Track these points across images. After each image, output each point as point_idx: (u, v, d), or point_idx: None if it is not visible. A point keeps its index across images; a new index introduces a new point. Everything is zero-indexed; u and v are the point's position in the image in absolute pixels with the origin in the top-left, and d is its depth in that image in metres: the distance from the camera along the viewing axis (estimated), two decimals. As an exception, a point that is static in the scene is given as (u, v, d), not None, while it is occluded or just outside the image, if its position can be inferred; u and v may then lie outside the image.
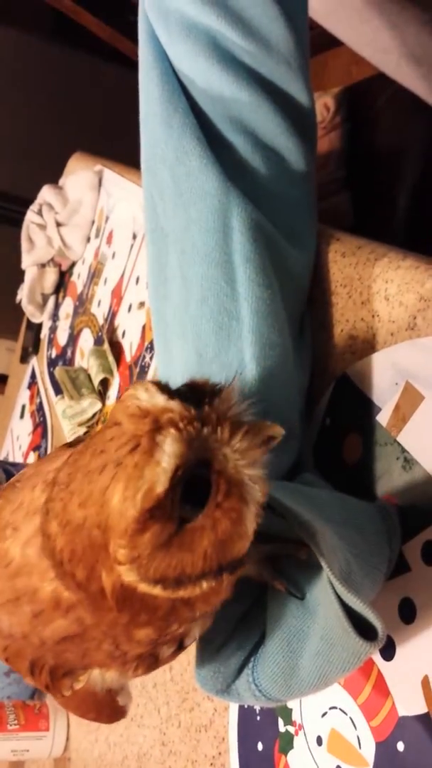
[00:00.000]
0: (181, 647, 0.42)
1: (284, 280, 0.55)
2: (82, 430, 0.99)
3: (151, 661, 0.41)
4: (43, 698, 0.97)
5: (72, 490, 0.34)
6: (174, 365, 0.58)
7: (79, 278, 1.23)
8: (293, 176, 0.58)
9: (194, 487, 0.33)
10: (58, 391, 1.08)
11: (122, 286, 1.02)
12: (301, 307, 0.58)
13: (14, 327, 1.61)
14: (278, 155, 0.57)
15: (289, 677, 0.43)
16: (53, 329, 1.33)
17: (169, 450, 0.31)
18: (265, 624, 0.46)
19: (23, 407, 1.43)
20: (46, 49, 2.29)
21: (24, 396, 1.44)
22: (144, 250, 0.64)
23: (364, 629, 0.40)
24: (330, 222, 0.62)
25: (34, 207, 1.31)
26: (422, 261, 0.51)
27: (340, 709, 0.49)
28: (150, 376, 0.85)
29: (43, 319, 1.39)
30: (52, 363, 1.29)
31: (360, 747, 0.47)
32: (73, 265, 1.28)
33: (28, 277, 1.34)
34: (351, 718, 0.48)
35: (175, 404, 0.32)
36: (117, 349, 0.98)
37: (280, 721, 0.55)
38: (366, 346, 0.53)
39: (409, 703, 0.45)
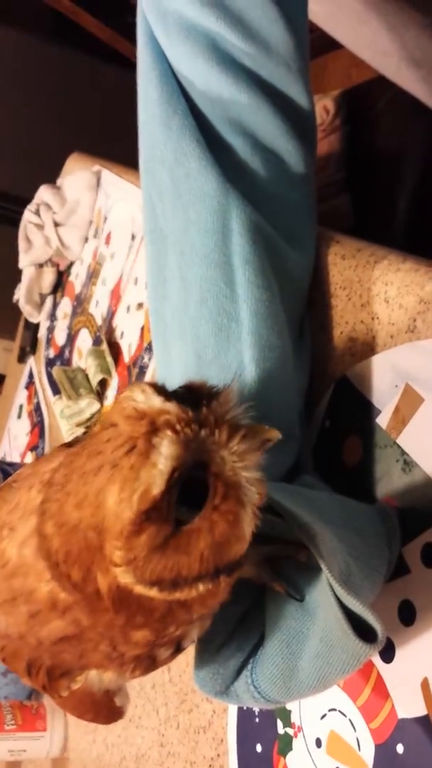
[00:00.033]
0: (179, 649, 0.42)
1: (284, 282, 0.55)
2: (79, 431, 0.99)
3: (148, 662, 0.41)
4: (40, 698, 0.97)
5: (68, 491, 0.34)
6: (173, 366, 0.58)
7: (77, 278, 1.23)
8: (293, 178, 0.58)
9: (191, 489, 0.33)
10: (56, 391, 1.08)
11: (121, 286, 1.02)
12: (301, 309, 0.58)
13: (12, 327, 1.61)
14: (278, 157, 0.57)
15: (288, 679, 0.43)
16: (51, 329, 1.32)
17: (165, 452, 0.31)
18: (264, 626, 0.46)
19: (21, 407, 1.43)
20: (46, 50, 2.29)
21: (21, 396, 1.44)
22: (143, 251, 0.64)
23: (363, 631, 0.40)
24: (330, 224, 0.62)
25: (31, 207, 1.31)
26: (422, 264, 0.51)
27: (340, 711, 0.49)
28: (149, 376, 0.85)
29: (41, 319, 1.39)
30: (49, 363, 1.28)
31: (359, 749, 0.47)
32: (71, 265, 1.28)
33: (26, 276, 1.34)
34: (350, 720, 0.48)
35: (171, 406, 0.32)
36: (115, 350, 0.97)
37: (279, 723, 0.55)
38: (366, 348, 0.53)
39: (408, 706, 0.44)
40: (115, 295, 1.03)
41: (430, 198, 0.93)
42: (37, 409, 1.31)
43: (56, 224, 1.24)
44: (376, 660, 0.47)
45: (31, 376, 1.41)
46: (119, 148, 1.14)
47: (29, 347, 1.42)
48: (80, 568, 0.34)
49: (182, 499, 0.32)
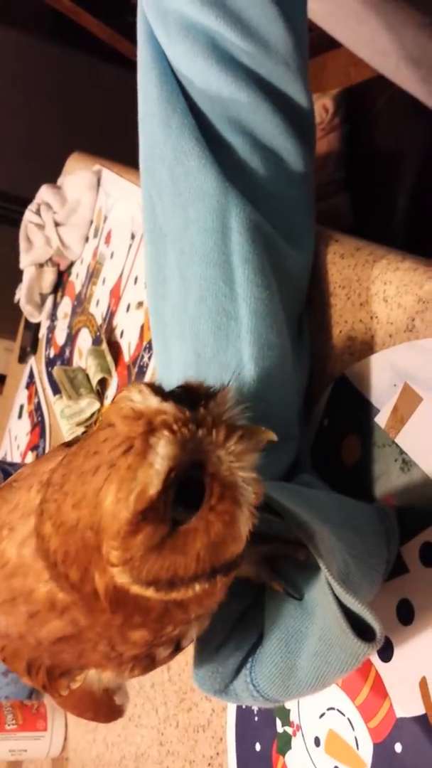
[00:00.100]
0: (178, 648, 0.42)
1: (283, 280, 0.55)
2: (80, 430, 0.99)
3: (147, 662, 0.41)
4: (40, 698, 0.97)
5: (66, 491, 0.34)
6: (172, 365, 0.58)
7: (77, 278, 1.23)
8: (292, 177, 0.58)
9: (188, 488, 0.33)
10: (56, 390, 1.08)
11: (121, 285, 1.02)
12: (300, 308, 0.58)
13: (12, 327, 1.61)
14: (277, 156, 0.57)
15: (287, 678, 0.43)
16: (51, 329, 1.32)
17: (162, 452, 0.31)
18: (263, 624, 0.46)
19: (21, 407, 1.43)
20: (46, 50, 2.29)
21: (22, 396, 1.44)
22: (142, 250, 0.64)
23: (362, 630, 0.40)
24: (329, 223, 0.62)
25: (32, 207, 1.31)
26: (421, 263, 0.51)
27: (338, 710, 0.49)
28: (149, 375, 0.85)
29: (42, 318, 1.39)
30: (50, 363, 1.28)
31: (358, 748, 0.47)
32: (71, 264, 1.28)
33: (27, 276, 1.34)
34: (349, 719, 0.48)
35: (168, 406, 0.32)
36: (115, 349, 0.98)
37: (278, 722, 0.55)
38: (364, 347, 0.53)
39: (406, 705, 0.45)
40: (115, 294, 1.03)
41: (429, 197, 0.93)
42: (38, 408, 1.31)
43: (57, 224, 1.24)
44: (375, 659, 0.47)
45: (31, 375, 1.41)
46: (119, 148, 1.14)
47: (30, 347, 1.42)
48: (78, 568, 0.34)
49: (179, 499, 0.33)
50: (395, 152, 0.95)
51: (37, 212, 1.28)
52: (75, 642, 0.39)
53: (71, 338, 1.19)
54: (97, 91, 2.31)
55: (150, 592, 0.34)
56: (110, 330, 1.01)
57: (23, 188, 1.58)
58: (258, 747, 0.56)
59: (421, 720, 0.43)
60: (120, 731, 0.79)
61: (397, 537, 0.46)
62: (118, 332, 0.98)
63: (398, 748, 0.45)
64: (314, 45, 0.58)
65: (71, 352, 1.17)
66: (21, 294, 1.38)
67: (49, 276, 1.32)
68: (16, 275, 1.39)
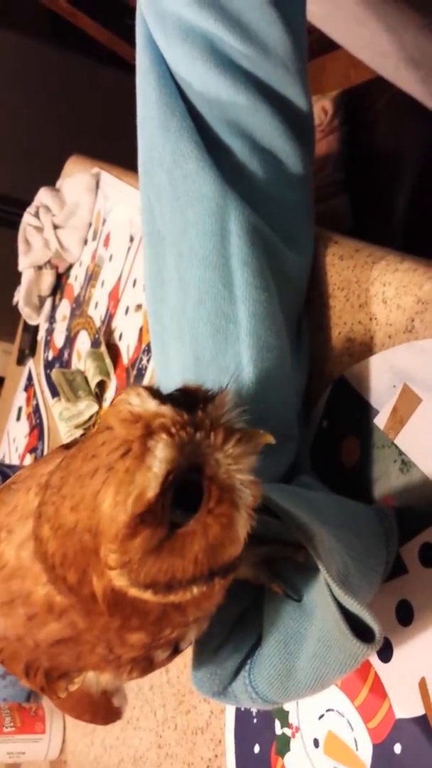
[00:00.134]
0: (176, 651, 0.42)
1: (281, 282, 0.55)
2: (78, 433, 0.99)
3: (145, 664, 0.41)
4: (39, 701, 0.97)
5: (64, 494, 0.34)
6: (171, 368, 0.58)
7: (76, 280, 1.23)
8: (291, 179, 0.58)
9: (186, 491, 0.33)
10: (54, 393, 1.08)
11: (119, 288, 1.02)
12: (299, 310, 0.58)
13: (11, 329, 1.61)
14: (276, 158, 0.57)
15: (285, 679, 0.43)
16: (50, 331, 1.33)
17: (160, 455, 0.31)
18: (261, 626, 0.46)
19: (20, 409, 1.43)
20: (45, 52, 2.30)
21: (21, 398, 1.44)
22: (141, 252, 0.64)
23: (361, 631, 0.40)
24: (328, 225, 0.62)
25: (31, 209, 1.31)
26: (420, 264, 0.51)
27: (337, 711, 0.49)
28: (147, 378, 0.85)
29: (40, 321, 1.39)
30: (48, 365, 1.28)
31: (357, 749, 0.47)
32: (70, 267, 1.28)
33: (25, 279, 1.34)
34: (348, 720, 0.48)
35: (166, 409, 0.32)
36: (114, 352, 0.98)
37: (277, 724, 0.55)
38: (363, 348, 0.53)
39: (406, 705, 0.44)
40: (114, 297, 1.03)
41: (429, 199, 0.93)
42: (36, 411, 1.31)
43: (55, 226, 1.24)
44: (374, 660, 0.47)
45: (30, 378, 1.41)
46: (118, 150, 1.15)
47: (28, 349, 1.42)
48: (76, 571, 0.34)
49: (177, 502, 0.33)
50: (395, 153, 0.96)
51: (36, 215, 1.28)
52: (73, 644, 0.39)
53: (70, 340, 1.19)
54: (96, 93, 2.31)
55: (148, 595, 0.33)
56: (109, 332, 1.01)
57: (22, 191, 1.58)
58: (257, 749, 0.56)
59: (420, 721, 0.43)
60: (118, 734, 0.79)
61: (396, 538, 0.46)
62: (116, 335, 0.98)
63: (398, 748, 0.45)
64: (313, 47, 0.58)
65: (70, 355, 1.17)
66: (20, 296, 1.38)
67: (47, 278, 1.32)
68: (15, 277, 1.39)
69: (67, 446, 0.43)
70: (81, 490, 0.33)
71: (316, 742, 0.51)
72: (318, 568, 0.41)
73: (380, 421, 0.50)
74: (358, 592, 0.41)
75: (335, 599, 0.41)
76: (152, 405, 0.32)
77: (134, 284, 0.97)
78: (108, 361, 0.97)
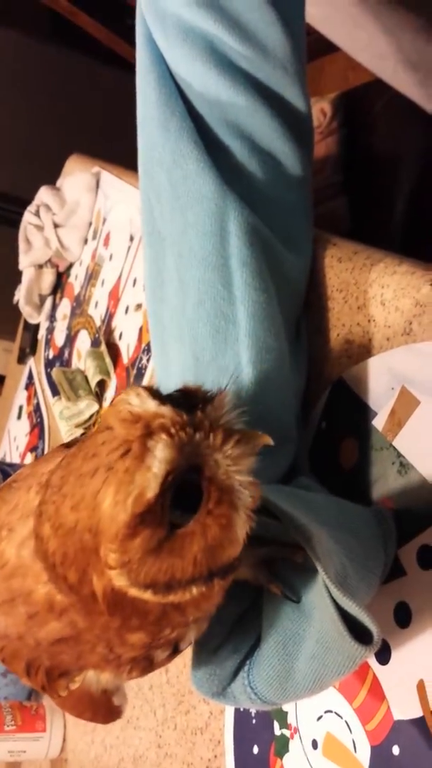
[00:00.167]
0: (176, 651, 0.42)
1: (280, 284, 0.55)
2: (79, 432, 0.99)
3: (145, 664, 0.41)
4: (39, 699, 0.97)
5: (64, 493, 0.34)
6: (171, 368, 0.58)
7: (76, 279, 1.24)
8: (289, 181, 0.58)
9: (185, 492, 0.33)
10: (55, 392, 1.08)
11: (119, 288, 1.02)
12: (298, 312, 0.58)
13: (11, 328, 1.61)
14: (274, 160, 0.57)
15: (284, 680, 0.43)
16: (50, 330, 1.33)
17: (159, 455, 0.32)
18: (260, 627, 0.46)
19: (20, 408, 1.43)
20: (45, 51, 2.30)
21: (21, 397, 1.44)
22: (141, 252, 0.64)
23: (359, 633, 0.40)
24: (327, 227, 0.62)
25: (31, 208, 1.31)
26: (418, 266, 0.51)
27: (336, 713, 0.49)
28: (147, 377, 0.85)
29: (41, 320, 1.40)
30: (49, 364, 1.29)
31: (355, 751, 0.48)
32: (70, 266, 1.28)
33: (26, 277, 1.34)
34: (346, 722, 0.49)
35: (166, 410, 0.32)
36: (114, 351, 0.98)
37: (276, 725, 0.55)
38: (362, 350, 0.53)
39: (404, 707, 0.45)
40: (114, 296, 1.03)
41: (427, 201, 0.93)
42: (37, 410, 1.31)
43: (56, 225, 1.24)
44: (372, 662, 0.47)
45: (30, 377, 1.41)
46: (118, 149, 1.15)
47: (29, 348, 1.42)
48: (76, 570, 0.34)
49: (176, 503, 0.33)
50: (393, 155, 0.96)
51: (37, 213, 1.28)
52: (74, 643, 0.39)
53: (70, 340, 1.19)
54: (96, 93, 2.31)
55: (148, 595, 0.34)
56: (109, 332, 1.01)
57: (22, 189, 1.58)
58: (256, 750, 0.56)
59: (418, 722, 0.44)
60: (118, 733, 0.79)
61: (394, 540, 0.46)
62: (116, 334, 0.99)
63: (396, 750, 0.45)
64: (312, 49, 0.58)
65: (70, 354, 1.17)
66: (20, 295, 1.38)
67: (48, 277, 1.32)
68: (15, 276, 1.39)
69: (67, 445, 0.44)
70: (81, 489, 0.33)
71: (314, 744, 0.51)
72: (316, 570, 0.41)
73: (378, 423, 0.50)
74: (356, 594, 0.42)
75: (333, 601, 0.41)
76: (152, 405, 0.33)
77: (134, 284, 0.97)
78: (108, 360, 0.97)
